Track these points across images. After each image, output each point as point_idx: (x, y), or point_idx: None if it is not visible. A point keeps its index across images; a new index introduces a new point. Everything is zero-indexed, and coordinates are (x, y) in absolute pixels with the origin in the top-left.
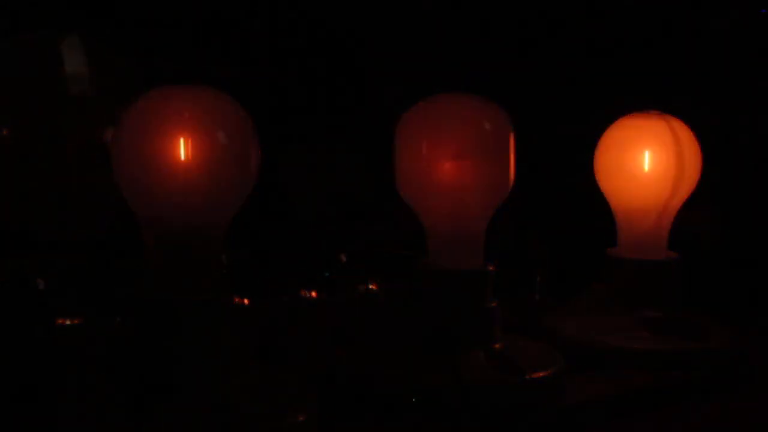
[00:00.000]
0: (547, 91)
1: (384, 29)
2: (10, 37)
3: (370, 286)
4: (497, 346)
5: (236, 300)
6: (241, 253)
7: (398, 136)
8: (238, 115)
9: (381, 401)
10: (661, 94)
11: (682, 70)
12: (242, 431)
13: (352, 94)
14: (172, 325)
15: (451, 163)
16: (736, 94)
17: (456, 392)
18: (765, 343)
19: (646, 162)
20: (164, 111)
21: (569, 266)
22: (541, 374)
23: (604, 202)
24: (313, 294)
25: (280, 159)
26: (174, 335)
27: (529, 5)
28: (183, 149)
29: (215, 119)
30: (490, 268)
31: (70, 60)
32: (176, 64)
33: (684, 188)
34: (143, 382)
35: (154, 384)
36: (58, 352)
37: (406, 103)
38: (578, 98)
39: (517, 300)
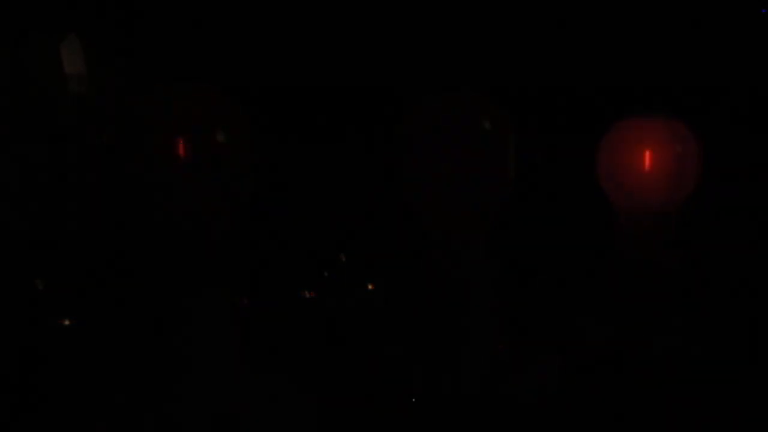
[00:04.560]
0: (547, 92)
1: (384, 29)
2: (10, 37)
3: (369, 286)
4: (497, 346)
5: (236, 300)
6: (241, 253)
7: (400, 135)
8: (237, 114)
9: (381, 401)
10: (661, 94)
11: (683, 70)
12: (242, 431)
13: (353, 94)
14: (172, 324)
15: (451, 162)
16: (737, 93)
17: (456, 392)
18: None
19: (646, 162)
20: (165, 110)
21: (570, 266)
22: (540, 374)
23: (604, 202)
24: (313, 294)
25: (280, 159)
26: (174, 335)
27: (530, 5)
28: (183, 148)
29: (215, 119)
30: (490, 268)
31: (70, 60)
32: (177, 64)
33: (684, 188)
34: (143, 381)
35: (153, 382)
36: (56, 353)
37: (406, 103)
38: (579, 98)
39: (518, 300)
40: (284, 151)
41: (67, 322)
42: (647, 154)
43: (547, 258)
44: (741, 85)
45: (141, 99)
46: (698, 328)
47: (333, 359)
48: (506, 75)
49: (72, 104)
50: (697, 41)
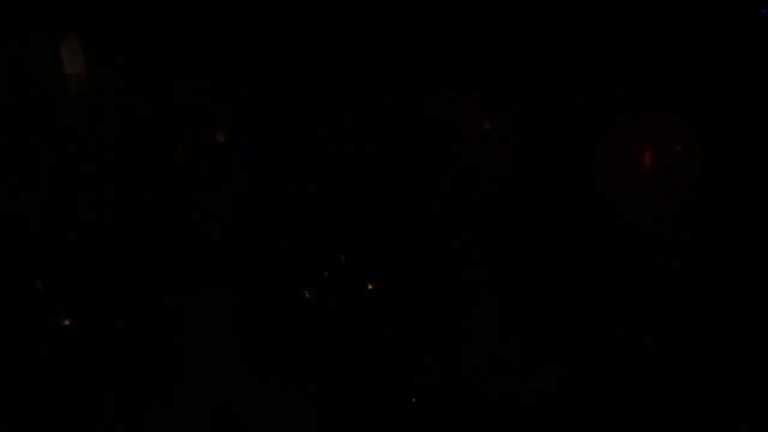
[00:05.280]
0: (547, 92)
1: (383, 29)
2: (10, 37)
3: (369, 286)
4: (497, 346)
5: (236, 300)
6: (241, 253)
7: (400, 135)
8: (238, 114)
9: (381, 401)
10: (661, 94)
11: (683, 70)
12: (241, 430)
13: (353, 94)
14: (172, 325)
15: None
16: (737, 93)
17: (456, 392)
18: None
19: (645, 160)
20: (166, 109)
21: (571, 265)
22: (540, 374)
23: (604, 200)
24: (313, 294)
25: (280, 159)
26: (174, 335)
27: (530, 5)
28: (184, 147)
29: (215, 118)
30: (491, 268)
31: (70, 60)
32: (176, 64)
33: (684, 186)
34: (143, 382)
35: (153, 384)
36: (56, 352)
37: (406, 103)
38: (579, 98)
39: (520, 300)
40: (284, 151)
41: (67, 322)
42: (647, 154)
43: (547, 258)
44: (741, 85)
45: (141, 99)
46: (702, 327)
47: (333, 359)
48: (506, 75)
49: (72, 104)
50: (697, 41)
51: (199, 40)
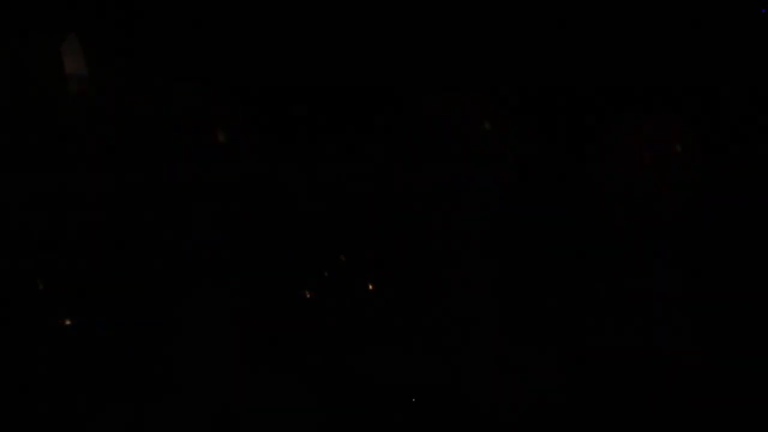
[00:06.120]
0: (547, 92)
1: (383, 29)
2: (10, 37)
3: (369, 286)
4: (497, 345)
5: (235, 300)
6: (241, 252)
7: (399, 134)
8: (238, 114)
9: (381, 401)
10: (661, 94)
11: (683, 70)
12: (242, 430)
13: (352, 94)
14: (172, 325)
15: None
16: (737, 93)
17: (455, 393)
18: None
19: (645, 160)
20: (166, 109)
21: (571, 265)
22: (540, 376)
23: (603, 200)
24: (313, 294)
25: (280, 159)
26: (174, 335)
27: (530, 5)
28: (182, 146)
29: (215, 118)
30: (490, 268)
31: (70, 60)
32: (176, 64)
33: (684, 186)
34: (143, 381)
35: (153, 383)
36: (56, 353)
37: (406, 103)
38: (579, 98)
39: (522, 303)
40: (284, 151)
41: (67, 322)
42: (647, 154)
43: (547, 258)
44: (741, 85)
45: (141, 99)
46: (699, 328)
47: (333, 359)
48: (506, 75)
49: (72, 104)
50: (697, 41)
51: (199, 40)
